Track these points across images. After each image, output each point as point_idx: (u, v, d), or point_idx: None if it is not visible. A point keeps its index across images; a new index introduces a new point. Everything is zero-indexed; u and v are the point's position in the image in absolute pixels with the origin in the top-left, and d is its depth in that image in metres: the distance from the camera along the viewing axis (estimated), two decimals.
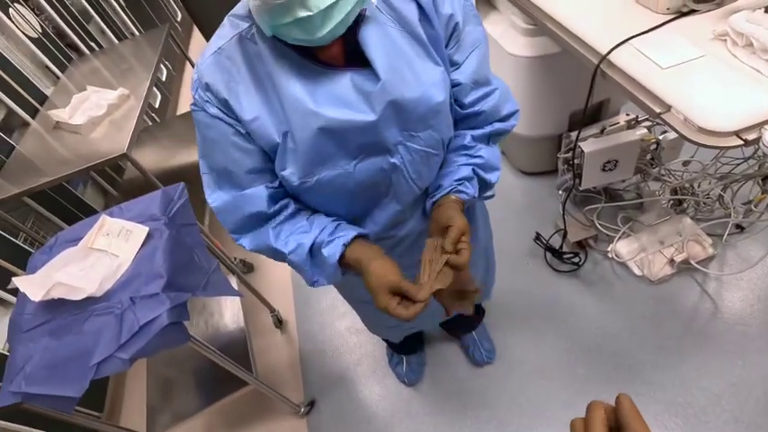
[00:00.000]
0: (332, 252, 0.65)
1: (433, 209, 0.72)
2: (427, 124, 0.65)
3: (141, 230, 1.07)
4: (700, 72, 0.86)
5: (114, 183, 2.30)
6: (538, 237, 1.67)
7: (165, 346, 0.92)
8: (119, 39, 2.80)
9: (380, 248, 0.67)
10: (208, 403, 1.35)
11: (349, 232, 0.67)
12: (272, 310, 1.73)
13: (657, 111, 0.87)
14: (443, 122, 0.68)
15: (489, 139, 0.75)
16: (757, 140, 0.76)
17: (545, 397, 1.36)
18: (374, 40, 0.60)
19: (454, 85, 0.69)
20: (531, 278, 1.63)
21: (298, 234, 0.68)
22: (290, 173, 0.63)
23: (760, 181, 1.50)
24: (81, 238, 1.09)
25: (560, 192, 1.73)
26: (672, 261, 1.51)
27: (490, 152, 0.74)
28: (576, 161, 1.50)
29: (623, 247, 1.58)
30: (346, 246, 0.66)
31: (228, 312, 1.50)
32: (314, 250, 0.67)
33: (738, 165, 1.52)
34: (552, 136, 1.73)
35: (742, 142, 0.77)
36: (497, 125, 0.73)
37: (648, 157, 1.57)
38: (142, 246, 1.05)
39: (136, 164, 1.47)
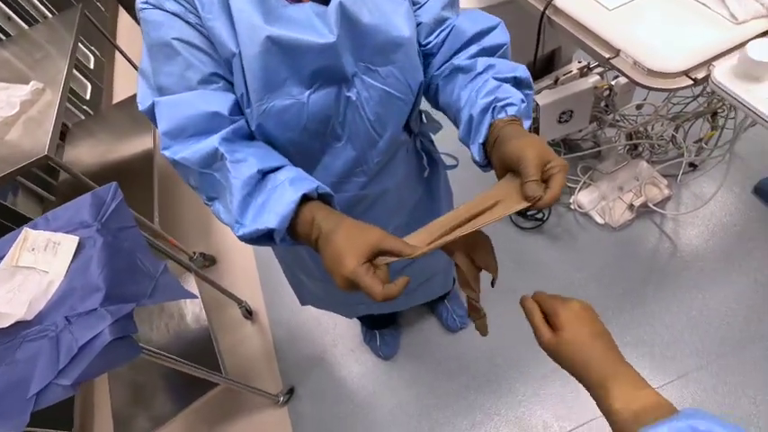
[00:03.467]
0: (298, 191, 0.50)
1: (488, 153, 0.55)
2: (387, 59, 0.58)
3: (71, 241, 0.97)
4: (646, 11, 0.82)
5: (50, 187, 2.11)
6: None
7: (114, 364, 0.85)
8: (29, 24, 2.50)
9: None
10: (182, 406, 1.30)
11: (324, 186, 0.54)
12: (240, 303, 1.66)
13: (606, 56, 0.83)
14: (409, 62, 0.60)
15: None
16: (706, 78, 0.74)
17: (521, 353, 1.38)
18: None
19: (417, 24, 0.62)
20: (497, 239, 1.60)
21: (253, 149, 0.55)
22: (241, 95, 0.56)
23: (709, 118, 1.52)
24: (3, 257, 0.98)
25: None
26: (631, 206, 1.53)
27: (497, 60, 0.59)
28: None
29: (584, 197, 1.59)
30: (319, 194, 0.52)
31: (190, 312, 1.43)
32: (268, 177, 0.53)
33: (688, 104, 1.53)
34: None
35: (692, 82, 0.74)
36: (485, 44, 0.60)
37: (603, 104, 1.56)
38: (74, 258, 0.95)
39: (61, 165, 1.33)
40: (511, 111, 0.54)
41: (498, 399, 1.34)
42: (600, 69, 1.54)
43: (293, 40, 0.53)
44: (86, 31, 2.21)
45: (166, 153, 0.55)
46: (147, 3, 0.54)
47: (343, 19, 0.54)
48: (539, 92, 1.46)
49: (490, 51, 0.61)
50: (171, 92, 0.55)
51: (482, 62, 0.59)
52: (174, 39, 0.54)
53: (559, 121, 1.49)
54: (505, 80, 0.57)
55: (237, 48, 0.53)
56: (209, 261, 1.90)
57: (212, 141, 0.53)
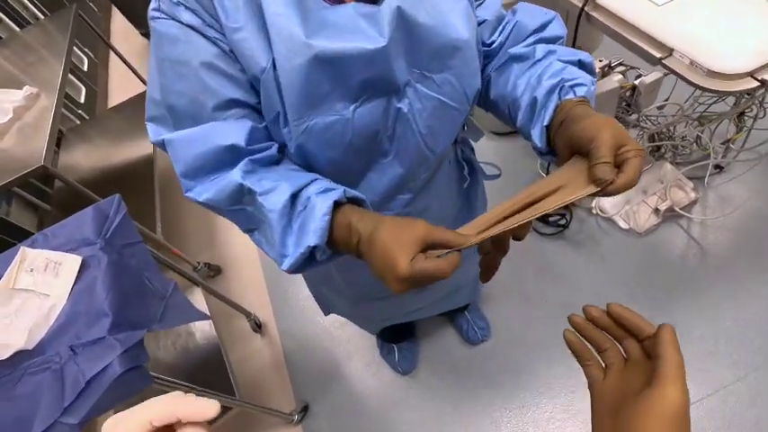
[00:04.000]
0: (327, 200, 0.46)
1: (551, 137, 0.50)
2: (444, 64, 0.52)
3: (73, 261, 0.89)
4: (701, 6, 0.76)
5: (45, 195, 2.02)
6: None
7: (124, 397, 0.77)
8: (20, 26, 2.41)
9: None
10: None
11: (351, 190, 0.50)
12: (248, 315, 1.59)
13: (658, 56, 0.77)
14: (466, 68, 0.54)
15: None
16: None
17: (545, 367, 1.32)
18: None
19: (479, 23, 0.57)
20: (518, 246, 1.54)
21: (282, 174, 0.50)
22: (276, 114, 0.50)
23: (736, 118, 1.46)
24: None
25: None
26: (656, 210, 1.47)
27: (557, 46, 0.56)
28: None
29: (607, 202, 1.53)
30: (348, 199, 0.48)
31: (198, 329, 1.36)
32: (298, 198, 0.48)
33: (713, 103, 1.47)
34: None
35: (758, 83, 0.68)
36: (543, 35, 0.57)
37: (625, 104, 1.50)
38: (77, 279, 0.87)
39: (59, 176, 1.25)
40: (580, 91, 0.49)
41: (524, 415, 1.28)
42: (622, 68, 1.48)
43: (339, 50, 0.46)
44: (79, 33, 2.12)
45: (190, 195, 0.51)
46: (159, 10, 0.47)
47: (399, 21, 0.47)
48: None
49: (548, 42, 0.56)
50: (182, 114, 0.50)
51: (541, 49, 0.54)
52: (189, 58, 0.47)
53: None
54: (570, 62, 0.53)
55: (270, 59, 0.46)
56: (215, 271, 1.82)
57: (234, 177, 0.48)
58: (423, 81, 0.52)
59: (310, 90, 0.47)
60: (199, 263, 1.77)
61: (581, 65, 0.53)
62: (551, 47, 0.55)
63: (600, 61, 1.49)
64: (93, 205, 1.02)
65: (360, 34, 0.47)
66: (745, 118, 1.44)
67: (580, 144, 0.44)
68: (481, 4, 0.57)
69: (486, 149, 1.82)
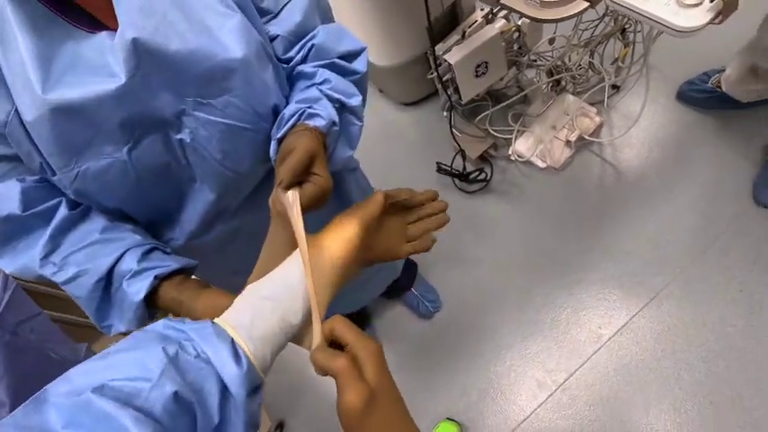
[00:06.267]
0: (138, 288, 0.47)
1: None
2: (221, 87, 0.49)
3: None
4: None
5: None
6: (439, 167, 1.59)
7: None
8: None
9: (208, 284, 0.52)
10: None
11: (167, 262, 0.50)
12: None
13: None
14: (249, 86, 0.50)
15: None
16: None
17: (500, 321, 1.35)
18: None
19: (271, 39, 0.54)
20: (448, 211, 1.56)
21: (83, 253, 0.49)
22: (39, 164, 0.47)
23: (620, 36, 1.50)
24: None
25: (445, 113, 1.64)
26: (568, 142, 1.50)
27: (339, 79, 0.56)
28: (447, 76, 1.40)
29: (522, 145, 1.55)
30: (160, 279, 0.48)
31: None
32: (113, 275, 0.49)
33: (596, 26, 1.50)
34: (417, 57, 1.60)
35: (588, 4, 0.68)
36: (338, 61, 0.57)
37: (515, 46, 1.51)
38: None
39: None
40: (317, 122, 0.50)
41: (488, 370, 1.30)
42: (504, 12, 1.49)
43: (77, 99, 0.42)
44: None
45: None
46: None
47: (143, 55, 0.43)
48: (448, 50, 1.39)
49: (345, 71, 0.56)
50: None
51: (321, 74, 0.54)
52: None
53: (477, 75, 1.43)
54: (330, 99, 0.53)
55: (9, 111, 0.43)
56: None
57: (33, 266, 0.49)
58: (200, 108, 0.49)
59: (65, 139, 0.44)
60: None
61: (342, 105, 0.54)
62: (331, 75, 0.54)
63: (482, 10, 1.49)
64: None
65: (104, 73, 0.43)
66: (628, 34, 1.48)
67: (281, 157, 0.48)
68: (275, 17, 0.54)
69: (399, 120, 1.81)
